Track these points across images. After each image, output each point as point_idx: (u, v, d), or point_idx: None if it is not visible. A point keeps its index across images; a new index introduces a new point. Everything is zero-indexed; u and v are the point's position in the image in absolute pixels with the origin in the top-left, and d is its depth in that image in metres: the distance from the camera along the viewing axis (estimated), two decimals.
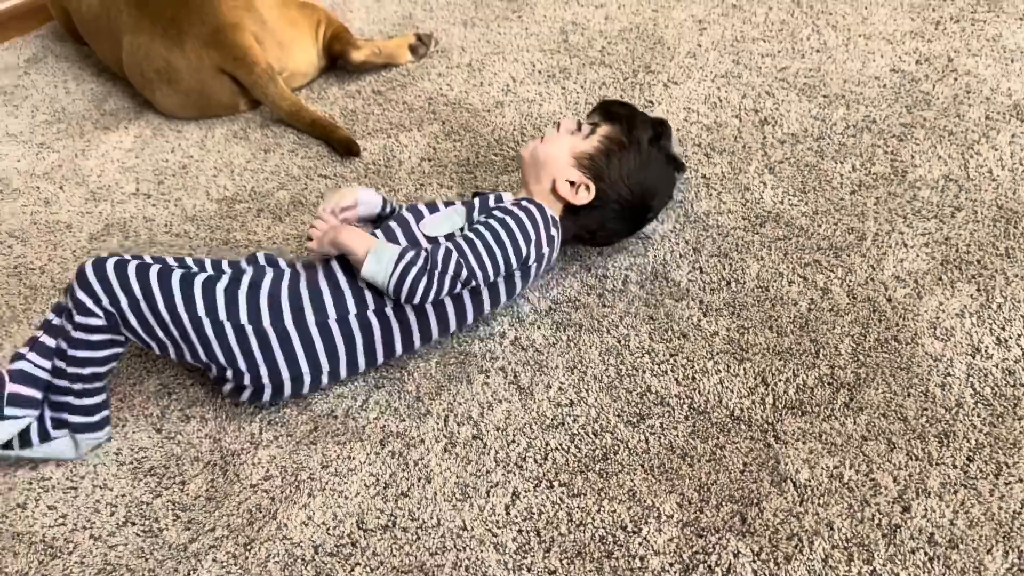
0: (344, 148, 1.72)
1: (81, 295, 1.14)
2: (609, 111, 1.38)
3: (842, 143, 1.58)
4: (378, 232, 1.28)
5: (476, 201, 1.32)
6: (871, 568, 1.01)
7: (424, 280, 1.16)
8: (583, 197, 1.30)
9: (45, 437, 1.20)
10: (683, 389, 1.22)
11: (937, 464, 1.10)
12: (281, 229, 1.57)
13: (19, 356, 1.20)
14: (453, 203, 1.34)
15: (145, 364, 1.35)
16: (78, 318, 1.15)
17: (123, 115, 1.92)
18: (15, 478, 1.22)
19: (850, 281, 1.33)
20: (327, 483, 1.17)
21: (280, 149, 1.76)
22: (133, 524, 1.15)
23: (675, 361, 1.26)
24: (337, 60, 1.93)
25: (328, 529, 1.12)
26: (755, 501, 1.09)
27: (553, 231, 1.27)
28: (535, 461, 1.16)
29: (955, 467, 1.09)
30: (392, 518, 1.12)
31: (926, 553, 1.02)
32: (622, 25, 1.96)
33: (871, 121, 1.62)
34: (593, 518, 1.09)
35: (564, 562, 1.05)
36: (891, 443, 1.13)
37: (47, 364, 1.19)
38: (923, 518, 1.05)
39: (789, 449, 1.14)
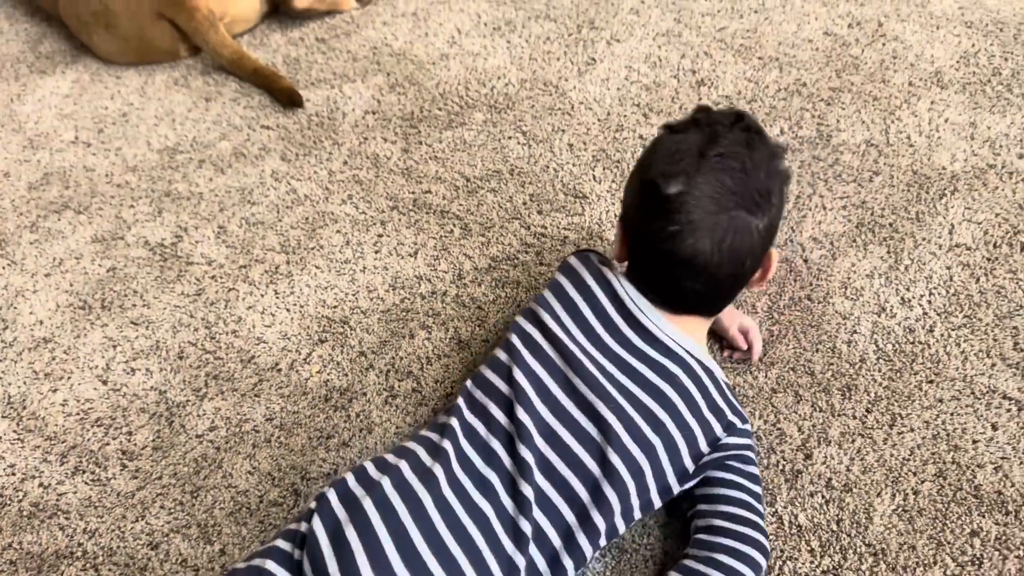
0: (287, 98, 1.72)
1: None
2: None
3: (773, 106, 1.64)
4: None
5: None
6: (773, 510, 1.11)
7: None
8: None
9: None
10: None
11: (839, 415, 1.20)
12: (223, 181, 1.58)
13: None
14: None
15: (88, 317, 1.37)
16: None
17: (59, 58, 1.88)
18: None
19: None
20: (271, 435, 1.22)
21: (222, 98, 1.76)
22: (82, 473, 1.19)
23: None
24: (279, 6, 1.91)
25: (274, 480, 1.18)
26: None
27: None
28: None
29: (854, 418, 1.19)
30: (334, 467, 1.18)
31: (823, 496, 1.12)
32: None
33: (801, 84, 1.68)
34: None
35: None
36: (798, 395, 1.22)
37: None
38: (823, 464, 1.15)
39: None
